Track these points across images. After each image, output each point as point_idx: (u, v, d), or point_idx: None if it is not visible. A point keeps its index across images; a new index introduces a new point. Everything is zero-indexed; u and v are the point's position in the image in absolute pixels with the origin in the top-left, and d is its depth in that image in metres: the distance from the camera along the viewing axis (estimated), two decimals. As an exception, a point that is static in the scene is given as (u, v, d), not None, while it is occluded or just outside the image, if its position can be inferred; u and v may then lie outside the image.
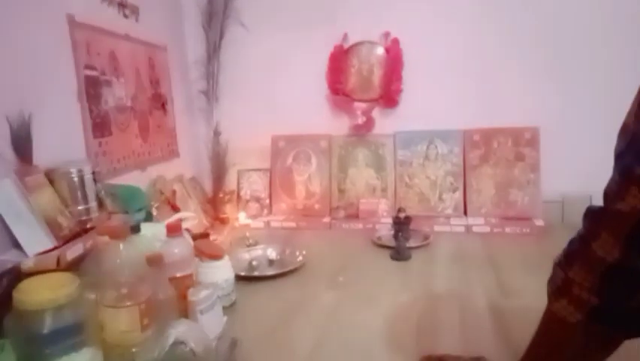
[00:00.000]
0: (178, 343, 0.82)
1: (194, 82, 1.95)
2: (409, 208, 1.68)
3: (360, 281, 1.28)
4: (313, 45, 1.82)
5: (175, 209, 1.55)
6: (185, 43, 1.92)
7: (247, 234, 1.64)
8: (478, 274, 1.28)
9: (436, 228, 1.67)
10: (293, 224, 1.81)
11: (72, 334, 0.75)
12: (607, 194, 0.57)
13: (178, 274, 1.01)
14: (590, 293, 0.57)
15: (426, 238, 1.57)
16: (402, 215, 1.59)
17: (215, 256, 1.12)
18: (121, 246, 0.83)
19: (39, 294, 0.73)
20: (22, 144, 0.92)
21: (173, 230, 1.03)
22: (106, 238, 0.84)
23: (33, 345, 0.71)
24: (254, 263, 1.40)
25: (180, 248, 1.04)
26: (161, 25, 1.73)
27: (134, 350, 0.80)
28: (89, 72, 1.22)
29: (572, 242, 0.61)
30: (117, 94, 1.37)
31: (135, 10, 1.51)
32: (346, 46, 1.81)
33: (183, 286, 1.00)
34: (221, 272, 1.13)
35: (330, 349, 0.93)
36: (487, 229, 1.61)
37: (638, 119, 0.53)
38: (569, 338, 0.62)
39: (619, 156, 0.56)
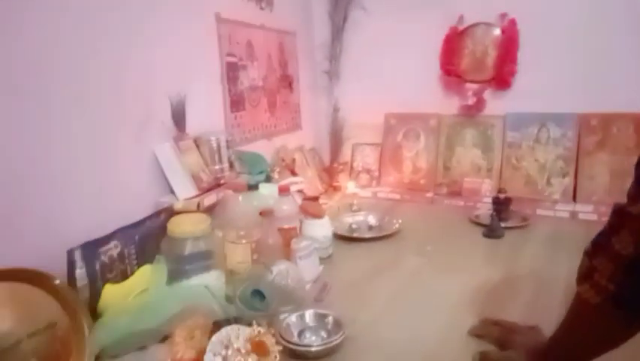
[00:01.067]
0: (278, 276, 1.06)
1: (318, 63, 2.17)
2: (514, 190, 1.71)
3: (447, 252, 1.39)
4: (428, 26, 1.89)
5: (294, 174, 1.81)
6: (312, 28, 2.14)
7: (354, 201, 1.84)
8: (568, 259, 1.28)
9: (539, 212, 1.67)
10: (397, 196, 1.96)
11: (204, 258, 1.03)
12: (628, 195, 0.64)
13: (285, 226, 1.26)
14: (608, 281, 0.65)
15: (525, 219, 1.59)
16: (502, 195, 1.63)
17: (317, 215, 1.34)
18: (240, 198, 1.09)
19: (184, 227, 1.03)
20: (178, 117, 1.24)
21: (284, 190, 1.27)
22: (231, 192, 1.11)
23: (178, 263, 1.01)
24: (354, 226, 1.59)
25: (288, 205, 1.28)
26: (292, 14, 1.96)
27: (245, 276, 1.06)
28: (229, 59, 1.51)
29: (599, 234, 0.69)
30: (251, 76, 1.65)
31: (270, 3, 1.76)
32: (461, 27, 1.85)
33: (288, 236, 1.24)
34: (320, 229, 1.34)
35: (403, 303, 1.09)
36: (595, 217, 1.56)
37: None
38: (590, 318, 0.71)
39: (637, 164, 0.62)
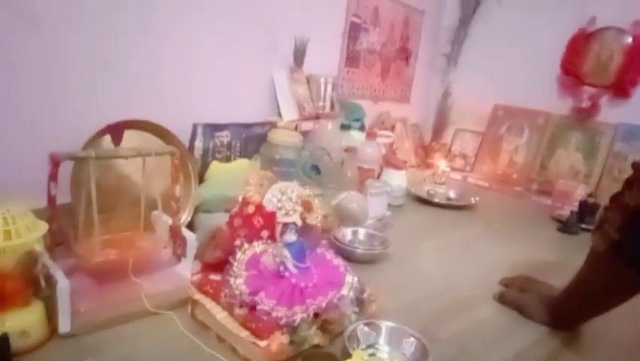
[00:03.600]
0: (346, 200, 1.24)
1: (440, 45, 2.27)
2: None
3: (513, 232, 1.43)
4: (558, 24, 1.88)
5: (390, 139, 1.96)
6: (442, 10, 2.24)
7: (442, 178, 1.93)
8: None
9: (628, 227, 1.61)
10: (486, 184, 2.00)
11: (291, 165, 1.25)
12: None
13: (365, 166, 1.43)
14: (615, 230, 0.71)
15: (608, 228, 1.55)
16: (590, 200, 1.61)
17: (396, 166, 1.48)
18: (329, 125, 1.28)
19: (280, 136, 1.25)
20: (299, 55, 1.47)
21: (371, 135, 1.44)
22: (324, 121, 1.31)
23: (270, 163, 1.24)
24: (432, 192, 1.70)
25: (372, 149, 1.45)
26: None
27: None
28: (354, 19, 1.71)
29: (618, 191, 0.74)
30: (371, 39, 1.83)
31: (403, -22, 1.91)
32: (590, 30, 1.81)
33: (365, 175, 1.41)
34: (397, 179, 1.49)
35: (452, 254, 1.19)
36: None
37: None
38: (598, 267, 0.77)
39: None
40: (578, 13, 1.83)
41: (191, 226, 1.04)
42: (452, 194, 1.73)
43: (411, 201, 1.60)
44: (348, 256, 1.02)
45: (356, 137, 1.48)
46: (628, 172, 0.65)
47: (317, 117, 1.45)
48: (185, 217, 1.05)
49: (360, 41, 1.77)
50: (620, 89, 1.75)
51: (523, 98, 2.02)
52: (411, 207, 1.55)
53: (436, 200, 1.62)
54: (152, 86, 1.13)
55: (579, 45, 1.84)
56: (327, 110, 1.51)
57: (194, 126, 1.12)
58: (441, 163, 2.15)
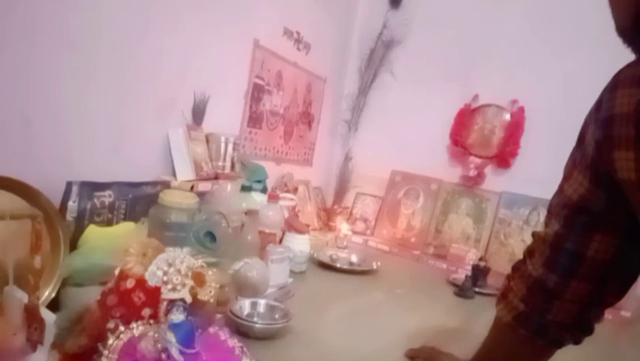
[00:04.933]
0: (245, 266, 1.14)
1: (341, 111, 2.34)
2: (497, 265, 1.76)
3: (414, 297, 1.44)
4: (446, 99, 2.05)
5: (292, 201, 1.92)
6: (343, 79, 2.34)
7: (344, 242, 1.92)
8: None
9: (516, 288, 1.70)
10: (386, 248, 2.02)
11: (183, 230, 1.13)
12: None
13: (266, 230, 1.35)
14: (519, 300, 0.71)
15: (498, 290, 1.62)
16: (482, 263, 1.69)
17: (298, 230, 1.43)
18: (229, 187, 1.20)
19: (173, 197, 1.13)
20: (198, 112, 1.39)
21: (273, 197, 1.38)
22: (224, 182, 1.23)
23: (160, 228, 1.11)
24: (334, 257, 1.66)
25: (274, 213, 1.38)
26: (326, 61, 2.17)
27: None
28: (257, 81, 1.69)
29: (519, 259, 0.76)
30: (274, 102, 1.82)
31: (308, 46, 1.97)
32: (474, 105, 2.00)
33: (266, 240, 1.33)
34: (300, 244, 1.43)
35: (355, 323, 1.14)
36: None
37: None
38: (503, 337, 0.76)
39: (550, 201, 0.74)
40: (464, 90, 2.01)
41: (56, 304, 0.87)
42: (354, 258, 1.71)
43: (314, 266, 1.54)
44: (247, 332, 0.92)
45: (257, 199, 1.41)
46: (513, 237, 0.67)
47: (216, 178, 1.36)
48: (48, 293, 0.87)
49: (263, 103, 1.75)
50: (502, 160, 1.91)
51: (419, 165, 2.12)
52: (314, 273, 1.49)
53: (339, 265, 1.58)
54: (24, 139, 0.98)
55: (465, 118, 2.01)
56: (228, 170, 1.43)
57: (68, 185, 0.96)
58: (343, 226, 2.14)
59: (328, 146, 2.33)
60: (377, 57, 2.22)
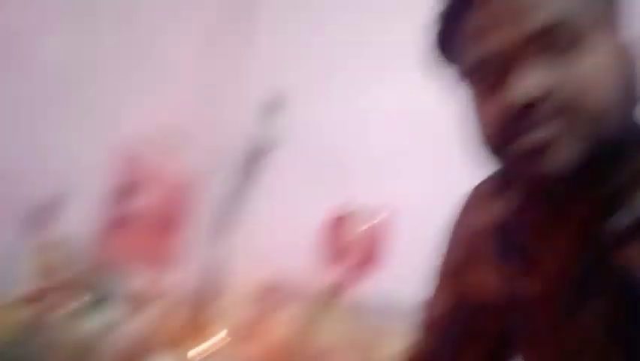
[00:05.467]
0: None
1: (214, 213, 2.27)
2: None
3: None
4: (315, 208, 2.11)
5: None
6: (216, 179, 2.30)
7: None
8: None
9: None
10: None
11: None
12: None
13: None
14: None
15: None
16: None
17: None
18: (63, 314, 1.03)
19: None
20: (42, 216, 1.23)
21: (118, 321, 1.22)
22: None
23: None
24: None
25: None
26: (197, 161, 2.12)
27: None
28: (119, 181, 1.57)
29: None
30: (139, 204, 1.70)
31: (180, 147, 1.92)
32: (346, 212, 2.09)
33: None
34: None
35: None
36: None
37: None
38: None
39: None
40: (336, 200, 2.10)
41: None
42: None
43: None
44: None
45: (107, 319, 1.24)
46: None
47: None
48: None
49: (125, 205, 1.63)
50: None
51: (294, 272, 2.10)
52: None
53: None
54: None
55: (337, 225, 2.07)
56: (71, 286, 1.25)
57: None
58: (217, 335, 1.99)
59: (197, 250, 2.21)
60: (251, 162, 2.25)
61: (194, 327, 1.99)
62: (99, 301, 1.23)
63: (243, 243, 2.23)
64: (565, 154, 0.45)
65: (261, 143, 2.22)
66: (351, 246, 2.04)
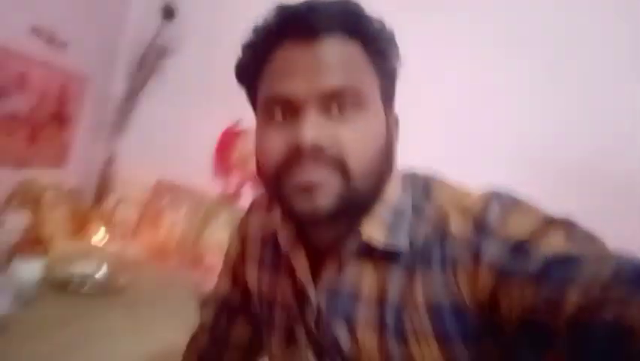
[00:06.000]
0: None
1: (106, 113, 2.24)
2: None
3: (153, 317, 1.48)
4: (213, 118, 2.14)
5: (36, 210, 1.77)
6: (110, 80, 2.23)
7: (98, 248, 1.85)
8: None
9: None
10: (144, 256, 2.03)
11: None
12: None
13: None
14: None
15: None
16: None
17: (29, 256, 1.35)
18: None
19: None
20: None
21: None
22: None
23: None
24: (78, 272, 1.58)
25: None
26: (89, 61, 2.03)
27: None
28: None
29: None
30: (14, 105, 1.64)
31: (64, 45, 1.82)
32: (237, 129, 2.16)
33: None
34: (28, 271, 1.35)
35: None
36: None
37: None
38: None
39: None
40: (230, 112, 2.14)
41: None
42: (102, 272, 1.66)
43: (51, 288, 1.45)
44: None
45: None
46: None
47: None
48: None
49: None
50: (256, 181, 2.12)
51: (185, 176, 2.19)
52: (49, 296, 1.41)
53: (80, 285, 1.53)
54: None
55: (228, 140, 2.15)
56: None
57: None
58: (99, 232, 2.08)
59: (88, 147, 2.21)
60: (148, 64, 2.19)
61: (78, 224, 2.07)
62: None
63: (136, 144, 2.26)
64: (325, 199, 0.53)
65: (156, 48, 2.15)
66: (240, 162, 2.14)
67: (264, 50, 0.58)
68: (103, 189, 2.23)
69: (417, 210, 0.60)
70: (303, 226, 0.64)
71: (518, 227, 0.52)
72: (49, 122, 1.87)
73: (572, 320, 0.41)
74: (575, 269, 0.44)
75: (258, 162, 0.59)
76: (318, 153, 0.53)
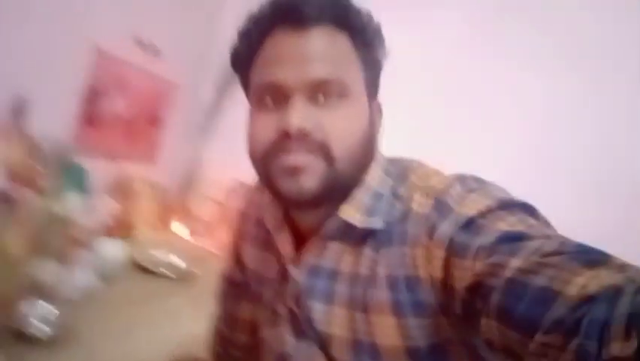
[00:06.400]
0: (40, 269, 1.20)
1: (195, 115, 2.43)
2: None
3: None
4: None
5: (127, 200, 1.97)
6: (200, 85, 2.42)
7: (179, 241, 2.01)
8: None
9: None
10: (220, 252, 2.16)
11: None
12: None
13: (77, 236, 1.41)
14: None
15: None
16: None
17: (115, 236, 1.51)
18: (36, 198, 1.25)
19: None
20: (18, 111, 1.40)
21: (89, 205, 1.44)
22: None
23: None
24: (155, 260, 1.73)
25: (89, 220, 1.44)
26: (182, 68, 2.23)
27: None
28: (96, 84, 1.72)
29: None
30: (115, 105, 1.86)
31: (158, 53, 2.02)
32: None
33: (76, 244, 1.39)
34: (113, 250, 1.50)
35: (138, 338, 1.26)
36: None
37: None
38: None
39: None
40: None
41: None
42: (179, 260, 1.80)
43: (133, 269, 1.61)
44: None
45: (74, 204, 1.46)
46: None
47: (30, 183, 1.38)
48: None
49: (101, 105, 1.78)
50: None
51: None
52: (129, 277, 1.56)
53: (159, 269, 1.68)
54: None
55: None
56: (46, 175, 1.45)
57: None
58: (179, 227, 2.25)
59: (177, 147, 2.40)
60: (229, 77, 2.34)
61: (162, 216, 2.25)
62: (68, 188, 1.44)
63: (221, 146, 2.42)
64: (310, 182, 0.57)
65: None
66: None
67: (256, 38, 0.62)
68: (187, 186, 2.41)
69: (395, 192, 0.62)
70: (289, 209, 0.67)
71: (474, 205, 0.53)
72: (144, 122, 2.08)
73: (510, 280, 0.43)
74: (523, 243, 0.46)
75: (249, 145, 0.63)
76: (303, 138, 0.56)
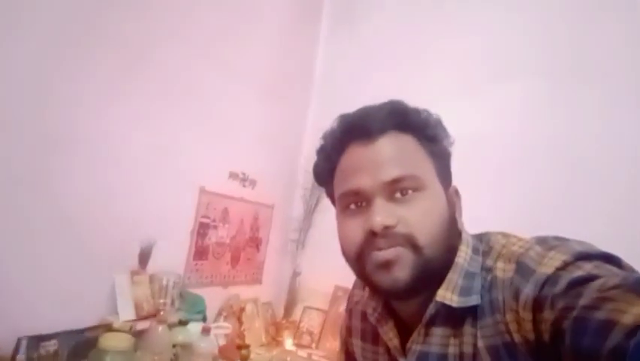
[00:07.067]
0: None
1: (289, 232, 2.62)
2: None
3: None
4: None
5: (239, 321, 2.12)
6: (290, 204, 2.65)
7: (288, 358, 2.09)
8: None
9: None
10: (328, 361, 2.18)
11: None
12: None
13: (200, 360, 1.54)
14: None
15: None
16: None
17: (227, 358, 1.62)
18: (160, 328, 1.42)
19: (109, 341, 1.34)
20: (143, 257, 1.65)
21: (205, 330, 1.59)
22: (156, 323, 1.45)
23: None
24: None
25: (206, 344, 1.58)
26: (273, 191, 2.48)
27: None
28: (203, 220, 1.97)
29: None
30: (220, 234, 2.09)
31: (253, 183, 2.29)
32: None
33: (199, 370, 1.52)
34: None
35: None
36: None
37: None
38: None
39: None
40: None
41: None
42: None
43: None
44: None
45: (193, 331, 1.62)
46: None
47: (154, 315, 1.58)
48: None
49: (209, 237, 2.02)
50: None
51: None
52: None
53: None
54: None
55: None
56: (168, 307, 1.65)
57: (18, 341, 1.18)
58: (288, 341, 2.33)
59: (277, 264, 2.58)
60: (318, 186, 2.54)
61: (272, 333, 2.35)
62: (190, 316, 1.62)
63: (315, 256, 2.55)
64: (402, 272, 0.62)
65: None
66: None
67: (334, 155, 0.72)
68: (291, 300, 2.53)
69: (484, 267, 0.66)
70: (389, 300, 0.72)
71: (552, 262, 0.55)
72: (246, 246, 2.30)
73: (575, 318, 0.46)
74: (589, 283, 0.48)
75: (342, 247, 0.71)
76: (388, 233, 0.63)
